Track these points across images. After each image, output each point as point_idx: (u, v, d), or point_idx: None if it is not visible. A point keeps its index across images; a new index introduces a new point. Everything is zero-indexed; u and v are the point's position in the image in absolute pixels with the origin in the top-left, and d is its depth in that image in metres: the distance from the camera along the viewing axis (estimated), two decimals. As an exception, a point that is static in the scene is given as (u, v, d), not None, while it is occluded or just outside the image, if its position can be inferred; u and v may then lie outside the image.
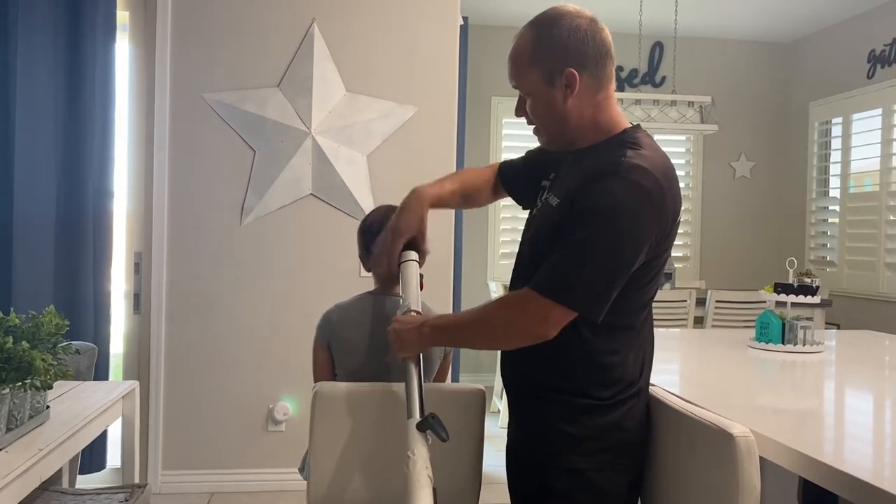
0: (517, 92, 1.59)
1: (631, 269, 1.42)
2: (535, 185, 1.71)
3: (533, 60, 1.50)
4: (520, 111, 1.58)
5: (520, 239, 1.71)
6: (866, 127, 5.29)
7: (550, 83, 1.49)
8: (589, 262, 1.39)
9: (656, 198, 1.41)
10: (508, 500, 1.66)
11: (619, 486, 1.54)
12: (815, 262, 5.82)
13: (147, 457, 3.41)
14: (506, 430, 1.70)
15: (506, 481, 1.66)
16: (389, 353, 2.02)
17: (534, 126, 1.59)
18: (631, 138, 1.50)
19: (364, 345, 2.01)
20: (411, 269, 1.78)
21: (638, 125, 1.56)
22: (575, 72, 1.47)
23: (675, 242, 6.13)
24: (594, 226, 1.39)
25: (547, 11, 1.52)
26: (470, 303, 5.55)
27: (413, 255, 1.81)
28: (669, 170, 1.48)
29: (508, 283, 1.71)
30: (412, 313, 1.69)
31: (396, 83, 3.58)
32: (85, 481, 3.16)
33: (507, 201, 6.30)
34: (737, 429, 1.32)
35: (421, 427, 1.51)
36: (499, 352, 1.76)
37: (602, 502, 1.52)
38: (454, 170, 3.63)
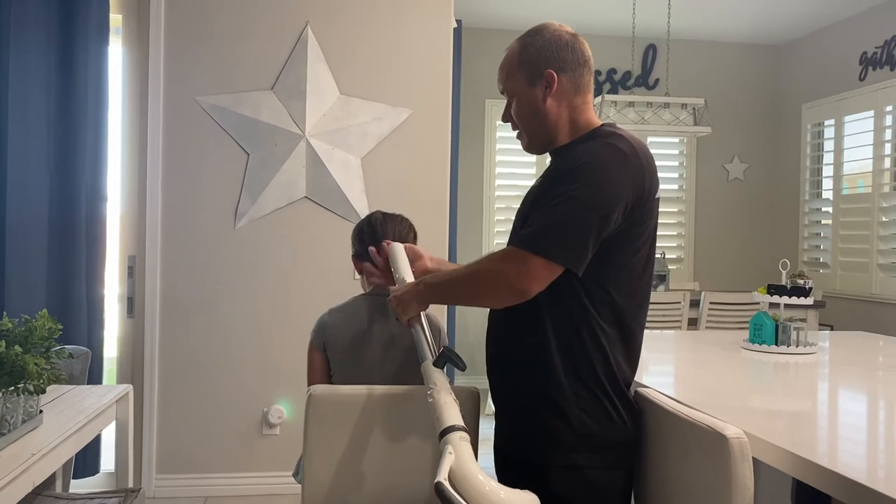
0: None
1: (608, 223, 1.47)
2: None
3: (519, 65, 1.66)
4: (506, 116, 1.72)
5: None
6: (858, 129, 5.31)
7: (532, 84, 1.63)
8: (566, 214, 1.47)
9: (632, 159, 1.52)
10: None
11: (616, 484, 1.56)
12: (808, 263, 5.83)
13: (141, 461, 3.40)
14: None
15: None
16: (384, 354, 2.04)
17: (517, 131, 1.72)
18: (608, 126, 1.63)
19: (359, 346, 2.03)
20: (397, 249, 1.87)
21: (613, 123, 1.68)
22: (554, 72, 1.61)
23: (669, 244, 6.10)
24: (571, 181, 1.49)
25: (535, 25, 1.69)
26: (464, 305, 5.56)
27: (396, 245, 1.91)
28: (646, 148, 1.59)
29: None
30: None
31: (390, 86, 3.58)
32: (79, 486, 3.15)
33: (501, 203, 6.21)
34: (730, 430, 1.33)
35: (438, 363, 1.59)
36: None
37: (599, 501, 1.54)
38: (447, 172, 3.65)
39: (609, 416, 1.53)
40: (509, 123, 1.72)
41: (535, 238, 1.47)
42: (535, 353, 1.55)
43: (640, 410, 1.61)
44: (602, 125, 1.64)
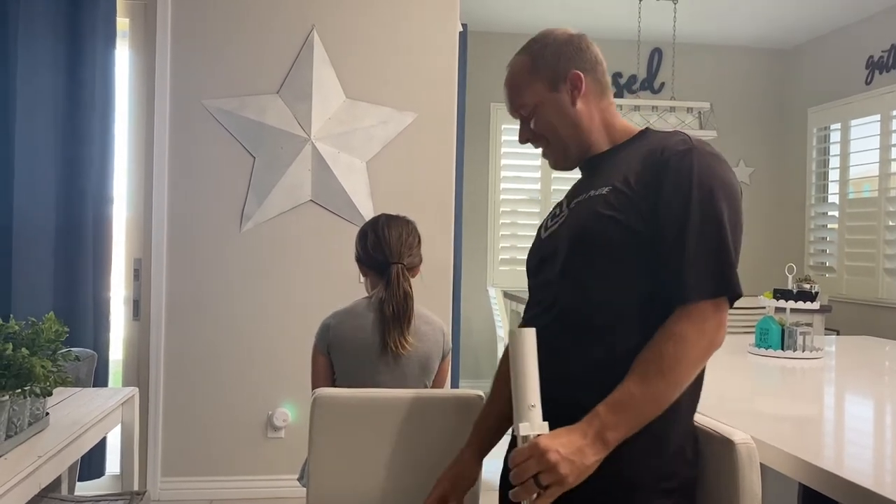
0: None
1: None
2: None
3: (534, 74, 1.47)
4: (524, 135, 1.53)
5: (530, 257, 1.54)
6: (865, 133, 5.29)
7: (555, 88, 1.46)
8: (725, 242, 1.37)
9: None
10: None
11: None
12: (814, 267, 5.82)
13: (146, 463, 3.40)
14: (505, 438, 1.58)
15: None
16: (388, 357, 2.04)
17: (542, 149, 1.53)
18: (661, 132, 1.48)
19: (363, 348, 2.03)
20: (526, 338, 1.22)
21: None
22: (580, 73, 1.46)
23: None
24: (714, 206, 1.35)
25: (534, 36, 1.53)
26: (470, 308, 5.57)
27: (527, 330, 1.24)
28: None
29: (530, 292, 1.52)
30: (537, 431, 1.20)
31: (396, 89, 3.59)
32: (84, 488, 3.15)
33: (507, 206, 6.18)
34: (738, 435, 1.32)
35: None
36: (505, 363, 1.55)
37: None
38: (452, 176, 3.65)
39: (682, 452, 1.34)
40: (529, 144, 1.53)
41: (715, 281, 1.35)
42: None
43: None
44: (647, 129, 1.49)
